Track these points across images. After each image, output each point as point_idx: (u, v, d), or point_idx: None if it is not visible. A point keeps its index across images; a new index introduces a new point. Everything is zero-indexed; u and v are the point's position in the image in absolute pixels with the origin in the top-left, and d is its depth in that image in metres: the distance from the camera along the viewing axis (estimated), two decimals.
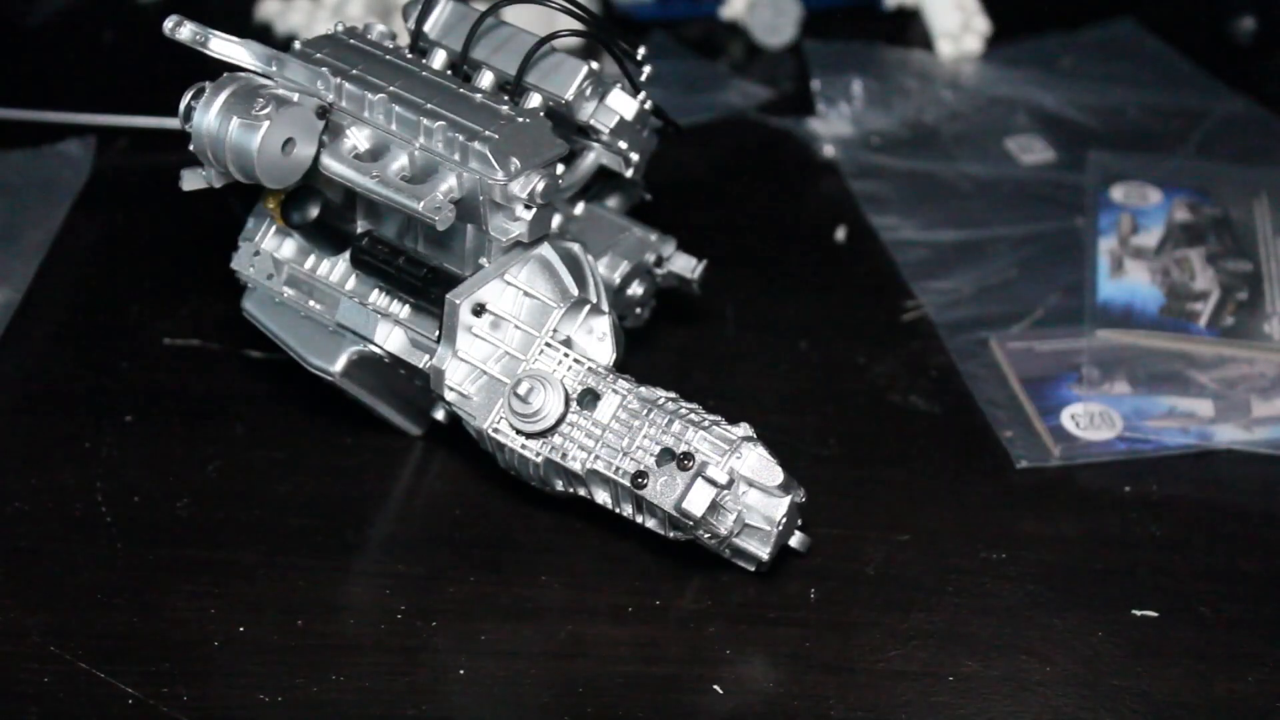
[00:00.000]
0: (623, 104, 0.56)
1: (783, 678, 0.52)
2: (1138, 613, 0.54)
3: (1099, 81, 0.87)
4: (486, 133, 0.51)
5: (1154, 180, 0.77)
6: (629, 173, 0.58)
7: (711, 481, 0.50)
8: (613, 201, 0.62)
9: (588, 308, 0.54)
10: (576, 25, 0.55)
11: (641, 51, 0.57)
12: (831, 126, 0.83)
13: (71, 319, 0.68)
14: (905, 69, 0.88)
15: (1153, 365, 0.65)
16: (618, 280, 0.60)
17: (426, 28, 0.56)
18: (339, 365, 0.56)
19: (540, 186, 0.52)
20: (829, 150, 0.81)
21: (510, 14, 0.57)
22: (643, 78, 0.57)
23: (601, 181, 0.61)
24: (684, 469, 0.51)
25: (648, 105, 0.57)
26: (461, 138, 0.51)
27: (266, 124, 0.50)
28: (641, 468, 0.51)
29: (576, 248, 0.55)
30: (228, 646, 0.52)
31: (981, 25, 0.90)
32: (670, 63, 0.87)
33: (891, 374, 0.66)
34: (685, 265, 0.62)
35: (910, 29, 0.92)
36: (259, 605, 0.54)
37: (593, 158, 0.58)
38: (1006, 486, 0.60)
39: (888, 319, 0.69)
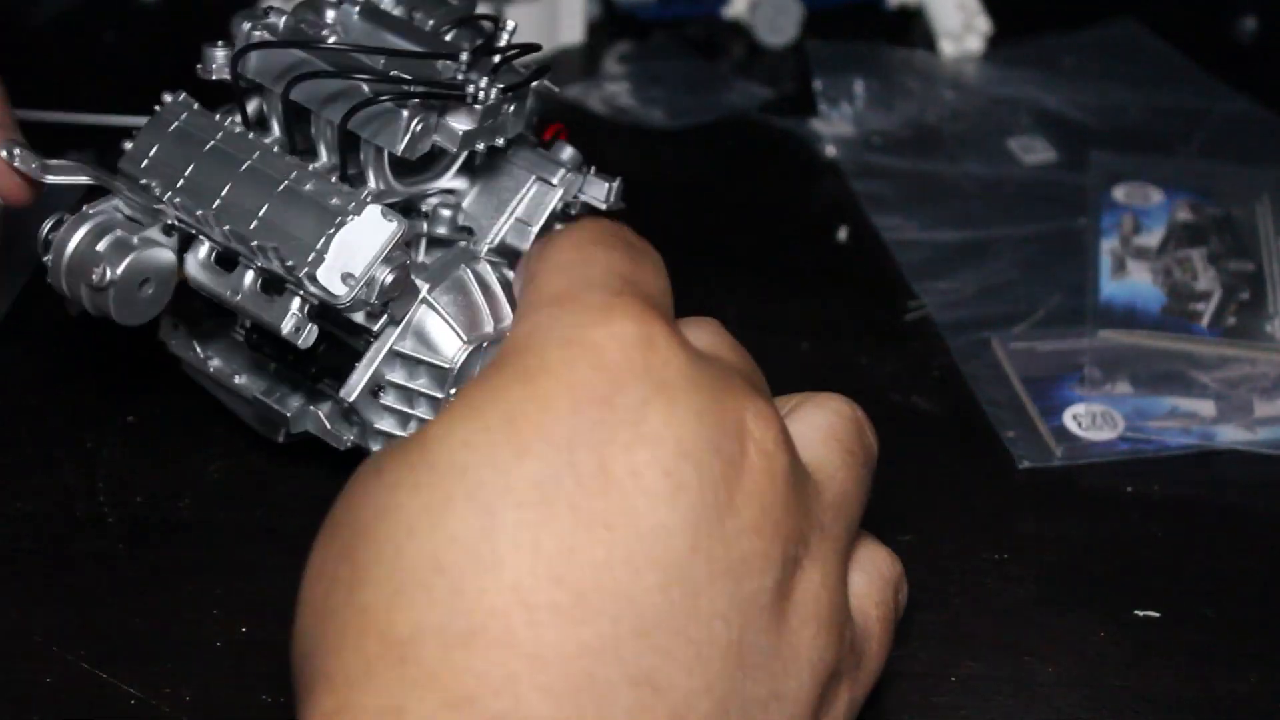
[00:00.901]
0: (463, 120, 0.51)
1: None
2: (1140, 613, 0.54)
3: (1100, 81, 0.87)
4: (314, 254, 0.48)
5: (1156, 180, 0.77)
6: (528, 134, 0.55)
7: None
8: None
9: (487, 343, 0.52)
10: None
11: (511, 24, 0.53)
12: (833, 126, 0.83)
13: (72, 319, 0.68)
14: (907, 69, 0.88)
15: (1155, 365, 0.65)
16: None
17: (248, 71, 0.53)
18: (281, 437, 0.56)
19: (389, 281, 0.49)
20: (831, 150, 0.81)
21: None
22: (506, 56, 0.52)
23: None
24: None
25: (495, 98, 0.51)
26: (293, 264, 0.49)
27: (111, 290, 0.50)
28: None
29: (467, 274, 0.52)
30: (230, 647, 0.52)
31: (983, 25, 0.90)
32: (672, 63, 0.87)
33: (893, 374, 0.66)
34: (598, 192, 0.55)
35: (912, 29, 0.92)
36: (261, 605, 0.54)
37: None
38: (1008, 487, 0.60)
39: (890, 319, 0.69)
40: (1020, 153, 0.81)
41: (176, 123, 0.53)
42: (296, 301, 0.50)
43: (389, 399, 0.53)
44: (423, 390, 0.52)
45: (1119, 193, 0.76)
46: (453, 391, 0.51)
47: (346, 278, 0.48)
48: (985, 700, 0.51)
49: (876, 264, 0.73)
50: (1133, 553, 0.57)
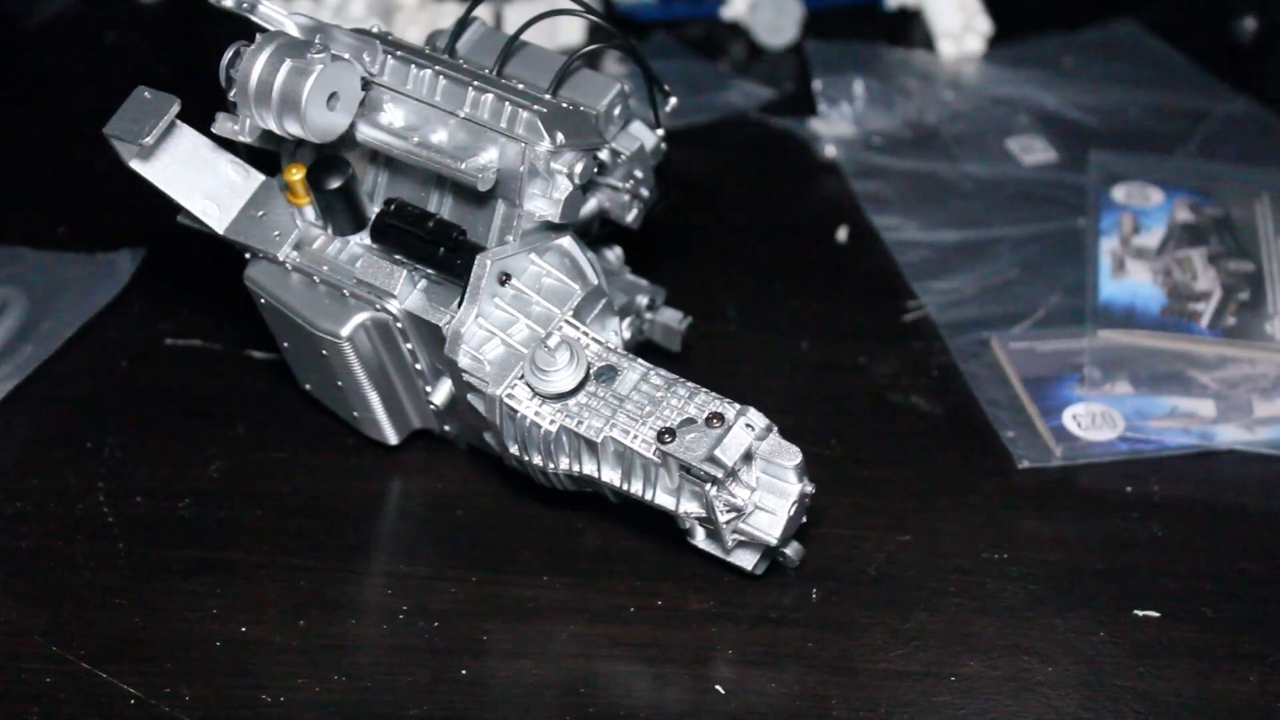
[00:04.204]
0: (644, 134, 0.57)
1: (785, 678, 0.52)
2: (1139, 613, 0.54)
3: (1100, 81, 0.87)
4: (535, 106, 0.52)
5: (1155, 180, 0.77)
6: (629, 218, 0.58)
7: (749, 427, 0.50)
8: (611, 254, 0.63)
9: (604, 301, 0.55)
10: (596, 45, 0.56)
11: (672, 102, 0.59)
12: (833, 126, 0.83)
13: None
14: (907, 69, 0.88)
15: (1154, 365, 0.65)
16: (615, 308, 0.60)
17: (459, 45, 0.56)
18: (347, 329, 0.54)
19: (579, 167, 0.52)
20: (830, 150, 0.81)
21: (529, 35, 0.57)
22: (667, 109, 0.58)
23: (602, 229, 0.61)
24: (714, 427, 0.51)
25: (664, 146, 0.58)
26: (509, 106, 0.52)
27: (320, 68, 0.51)
28: (668, 426, 0.51)
29: (591, 253, 0.56)
30: (229, 647, 0.52)
31: (983, 25, 0.90)
32: (672, 63, 0.87)
33: (893, 374, 0.66)
34: (672, 317, 0.63)
35: (912, 29, 0.92)
36: (260, 605, 0.54)
37: (594, 202, 0.58)
38: (1008, 487, 0.60)
39: (889, 319, 0.69)
40: (1020, 153, 0.81)
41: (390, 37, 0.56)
42: (489, 153, 0.52)
43: (505, 296, 0.53)
44: (541, 302, 0.53)
45: (1119, 193, 0.76)
46: (569, 315, 0.53)
47: (556, 135, 0.52)
48: (985, 699, 0.51)
49: (876, 264, 0.73)
50: (1133, 553, 0.57)
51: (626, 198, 0.58)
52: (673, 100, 0.58)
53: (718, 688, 0.51)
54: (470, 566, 0.56)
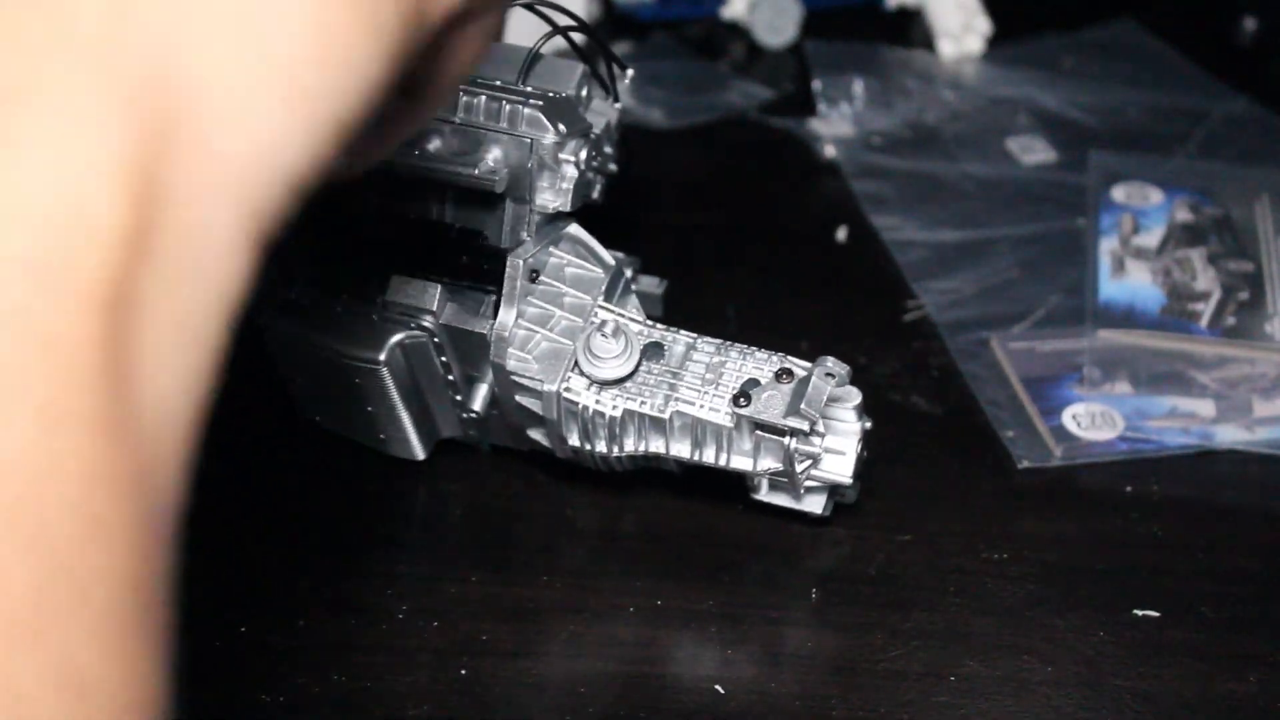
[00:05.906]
0: (605, 109, 0.57)
1: (784, 678, 0.52)
2: (1139, 613, 0.54)
3: (1100, 82, 0.87)
4: (532, 101, 0.52)
5: (1155, 180, 0.77)
6: (595, 194, 0.58)
7: (830, 375, 0.51)
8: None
9: (623, 280, 0.55)
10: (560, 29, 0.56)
11: (629, 73, 0.59)
12: (833, 126, 0.83)
13: None
14: (906, 69, 0.88)
15: (1154, 365, 0.65)
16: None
17: None
18: (383, 353, 0.54)
19: (584, 153, 0.53)
20: (830, 150, 0.81)
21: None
22: (625, 81, 0.58)
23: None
24: (784, 383, 0.51)
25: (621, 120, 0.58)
26: (507, 105, 0.52)
27: None
28: (739, 390, 0.51)
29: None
30: (229, 646, 0.52)
31: (983, 25, 0.90)
32: (671, 63, 0.87)
33: (893, 374, 0.66)
34: (650, 283, 0.63)
35: (911, 29, 0.92)
36: (259, 605, 0.54)
37: None
38: (1008, 486, 0.60)
39: (889, 319, 0.69)
40: (1020, 153, 0.81)
41: None
42: (493, 153, 0.52)
43: (536, 294, 0.54)
44: (570, 293, 0.54)
45: (1118, 193, 0.76)
46: (601, 300, 0.54)
47: (558, 126, 0.52)
48: (985, 699, 0.51)
49: (875, 264, 0.73)
50: (1133, 553, 0.57)
51: (592, 175, 0.58)
52: (629, 72, 0.58)
53: (718, 688, 0.51)
54: (470, 566, 0.56)
